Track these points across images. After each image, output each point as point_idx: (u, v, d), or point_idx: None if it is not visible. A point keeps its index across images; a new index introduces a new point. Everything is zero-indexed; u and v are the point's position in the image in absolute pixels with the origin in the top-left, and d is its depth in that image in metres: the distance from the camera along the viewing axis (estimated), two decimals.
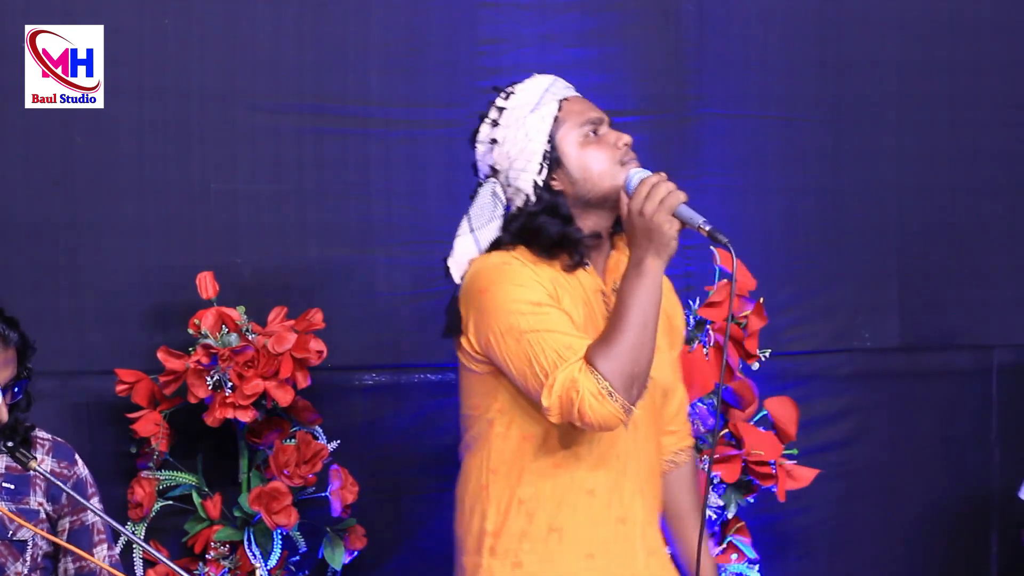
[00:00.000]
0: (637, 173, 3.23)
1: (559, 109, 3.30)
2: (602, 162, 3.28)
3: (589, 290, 3.28)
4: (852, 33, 4.71)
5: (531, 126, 3.29)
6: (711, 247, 4.29)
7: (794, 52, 4.68)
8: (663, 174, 3.19)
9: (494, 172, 3.33)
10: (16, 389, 3.39)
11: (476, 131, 3.35)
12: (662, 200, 3.14)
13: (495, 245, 3.33)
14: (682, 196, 3.15)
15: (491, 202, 3.35)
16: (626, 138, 3.30)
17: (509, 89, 3.34)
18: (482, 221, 3.36)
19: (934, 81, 4.76)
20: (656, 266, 3.16)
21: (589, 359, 3.12)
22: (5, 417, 3.34)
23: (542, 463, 3.26)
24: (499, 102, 3.34)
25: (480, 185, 3.37)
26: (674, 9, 4.59)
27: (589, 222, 3.30)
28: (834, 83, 4.71)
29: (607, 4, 4.55)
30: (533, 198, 3.28)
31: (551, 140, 3.29)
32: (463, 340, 3.29)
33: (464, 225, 3.36)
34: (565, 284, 3.27)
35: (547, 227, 3.27)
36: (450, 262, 3.37)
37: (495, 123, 3.32)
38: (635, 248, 3.18)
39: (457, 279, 3.34)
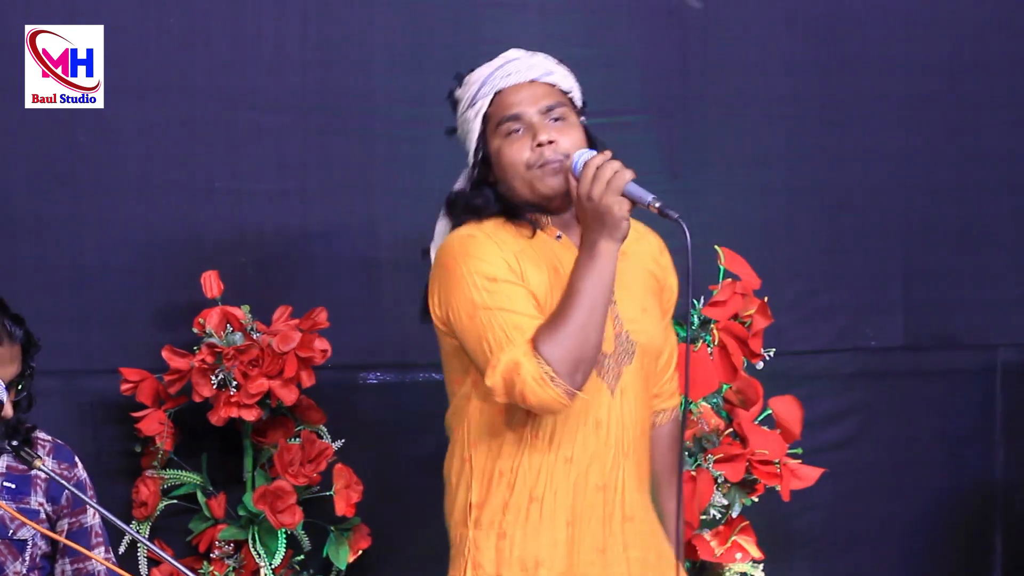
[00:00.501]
0: (581, 155, 3.20)
1: (490, 104, 3.30)
2: (514, 168, 3.28)
3: (564, 261, 3.26)
4: (855, 32, 4.72)
5: (468, 122, 3.32)
6: (715, 247, 4.30)
7: (797, 51, 4.68)
8: (608, 153, 3.16)
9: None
10: (20, 388, 3.39)
11: (452, 95, 3.39)
12: (609, 181, 3.12)
13: (467, 214, 3.35)
14: (629, 174, 3.13)
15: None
16: (543, 137, 3.27)
17: (463, 77, 3.35)
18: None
19: (938, 80, 4.76)
20: (609, 248, 3.14)
21: (535, 342, 3.12)
22: (10, 413, 3.35)
23: (520, 434, 3.27)
24: (456, 93, 3.36)
25: None
26: (677, 8, 4.60)
27: (524, 205, 3.31)
28: (837, 82, 4.71)
29: (610, 3, 4.56)
30: (468, 187, 3.34)
31: (482, 137, 3.31)
32: (433, 311, 3.31)
33: (443, 209, 3.40)
34: (534, 254, 3.27)
35: (479, 205, 3.32)
36: (432, 246, 3.39)
37: (454, 108, 3.36)
38: (587, 231, 3.16)
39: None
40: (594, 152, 3.20)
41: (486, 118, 3.30)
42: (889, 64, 4.73)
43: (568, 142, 3.27)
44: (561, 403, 3.14)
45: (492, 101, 3.29)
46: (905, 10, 4.75)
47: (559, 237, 3.30)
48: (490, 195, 3.31)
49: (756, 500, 4.31)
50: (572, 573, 3.28)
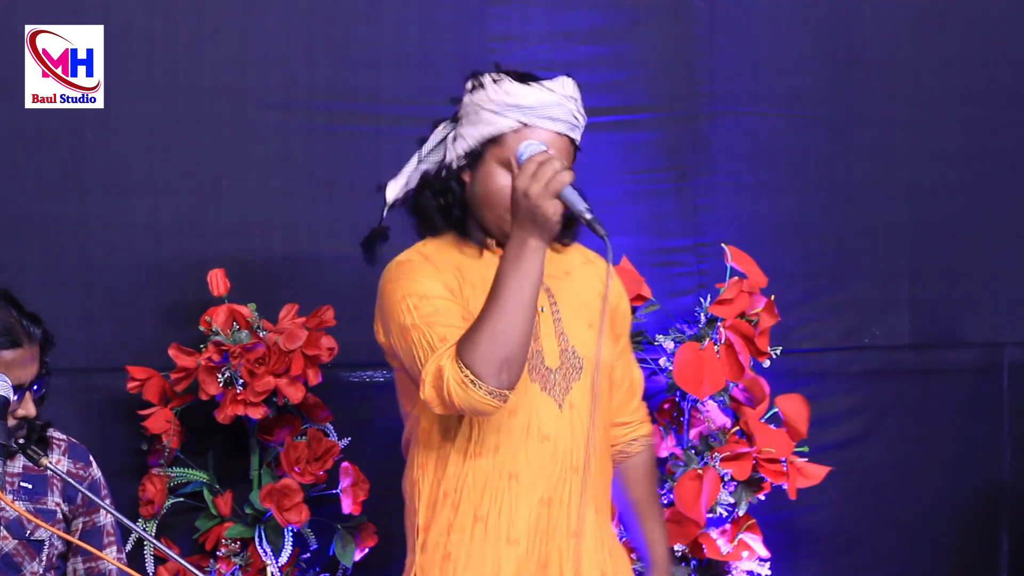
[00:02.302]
0: (529, 147, 3.17)
1: (515, 130, 3.23)
2: (498, 200, 3.24)
3: (487, 275, 3.22)
4: (864, 30, 4.71)
5: (483, 120, 3.25)
6: (722, 245, 4.29)
7: (805, 49, 4.67)
8: (551, 152, 3.14)
9: (458, 117, 3.32)
10: (38, 386, 3.40)
11: (480, 76, 3.30)
12: (547, 182, 3.08)
13: (427, 216, 3.36)
14: (567, 177, 3.09)
15: (436, 144, 3.37)
16: None
17: (501, 77, 3.26)
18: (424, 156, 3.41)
19: (946, 79, 4.76)
20: (536, 247, 3.10)
21: (456, 347, 3.10)
22: (33, 412, 3.37)
23: (462, 452, 3.25)
24: (485, 79, 3.27)
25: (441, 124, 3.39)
26: (685, 6, 4.59)
27: (482, 228, 3.30)
28: (845, 80, 4.70)
29: (617, 1, 4.55)
30: (444, 172, 3.31)
31: (485, 143, 3.25)
32: (379, 341, 3.33)
33: (413, 160, 3.42)
34: (478, 273, 3.26)
35: (425, 209, 3.33)
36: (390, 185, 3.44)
37: (472, 89, 3.28)
38: (516, 228, 3.12)
39: (389, 198, 3.43)
40: (542, 147, 3.16)
41: (498, 137, 3.24)
42: (897, 63, 4.73)
43: None
44: (488, 404, 3.10)
45: (519, 129, 3.23)
46: (914, 9, 4.74)
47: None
48: (456, 198, 3.29)
49: (763, 498, 4.31)
50: None
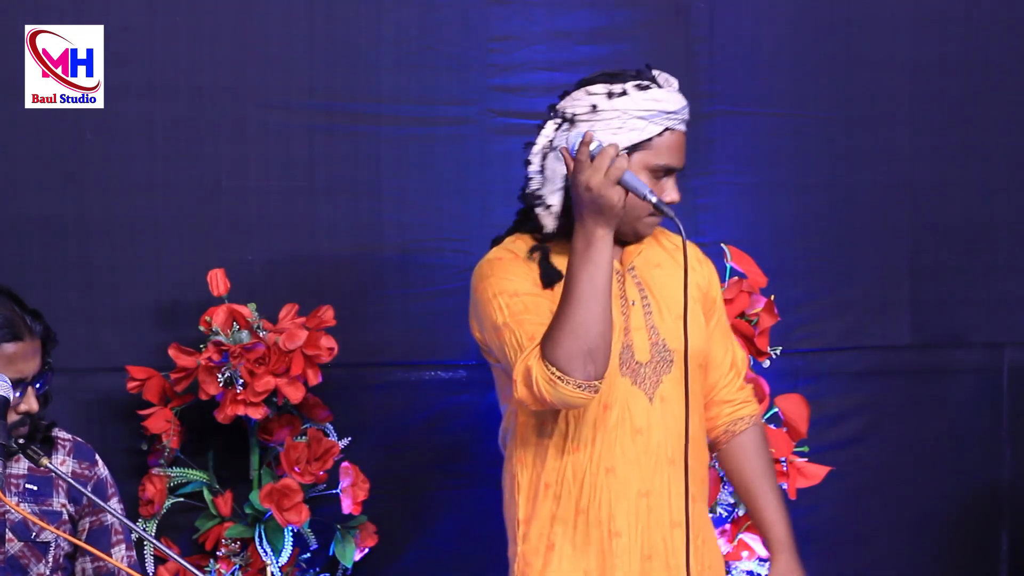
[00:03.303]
0: (578, 138, 3.16)
1: (660, 134, 3.26)
2: (639, 207, 3.25)
3: None
4: (864, 30, 4.70)
5: (628, 126, 3.25)
6: (722, 245, 4.29)
7: (805, 49, 4.67)
8: (601, 140, 3.15)
9: (569, 120, 3.28)
10: (41, 383, 3.41)
11: (590, 80, 3.31)
12: (607, 171, 3.10)
13: (509, 230, 3.38)
14: (624, 163, 3.11)
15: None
16: (674, 196, 3.29)
17: (646, 82, 3.27)
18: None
19: (946, 78, 4.75)
20: (604, 235, 3.13)
21: (540, 345, 3.15)
22: (36, 407, 3.37)
23: (559, 447, 3.31)
24: (629, 86, 3.26)
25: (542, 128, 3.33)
26: (685, 6, 4.59)
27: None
28: (845, 80, 4.70)
29: (618, 1, 4.55)
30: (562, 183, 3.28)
31: (631, 151, 3.24)
32: (476, 338, 3.36)
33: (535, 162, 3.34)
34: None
35: (545, 221, 3.29)
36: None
37: (611, 95, 3.25)
38: (581, 223, 3.14)
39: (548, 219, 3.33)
40: (593, 137, 3.16)
41: (646, 143, 3.25)
42: (897, 63, 4.72)
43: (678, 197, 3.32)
44: (580, 397, 3.14)
45: (662, 134, 3.27)
46: (914, 9, 4.73)
47: None
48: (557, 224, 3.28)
49: None
50: None
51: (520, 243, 3.35)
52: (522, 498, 3.35)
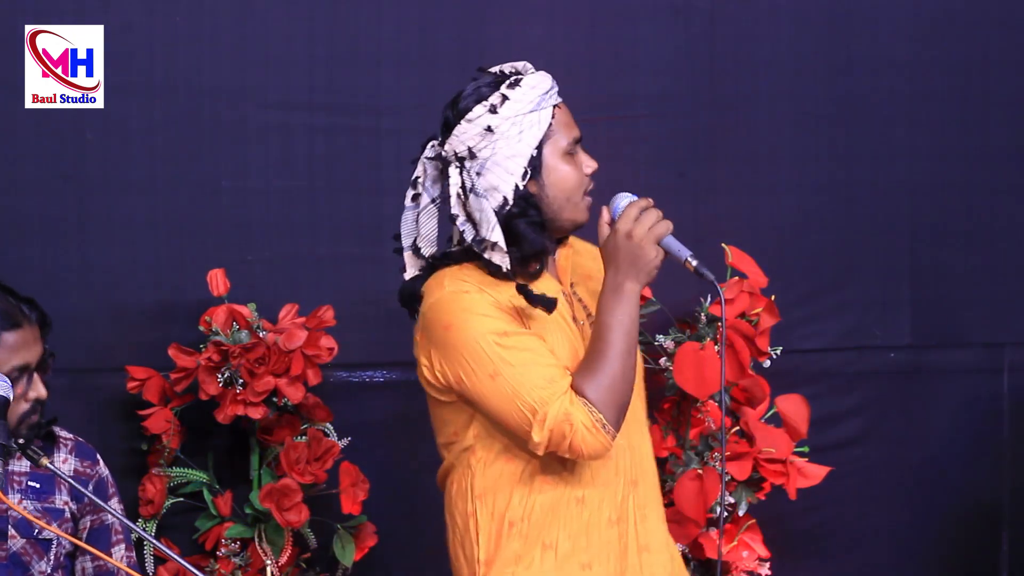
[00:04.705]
0: (625, 197, 3.18)
1: (552, 116, 3.21)
2: (571, 186, 3.22)
3: (550, 294, 3.17)
4: (864, 30, 4.71)
5: (526, 126, 3.18)
6: (722, 245, 4.29)
7: (805, 49, 4.67)
8: (650, 200, 3.17)
9: (468, 156, 3.19)
10: (45, 368, 3.43)
11: (464, 108, 3.20)
12: (651, 227, 3.11)
13: (440, 260, 3.27)
14: (668, 227, 3.13)
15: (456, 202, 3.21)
16: (593, 164, 3.24)
17: (515, 77, 3.21)
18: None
19: (946, 78, 4.76)
20: (635, 291, 3.13)
21: (578, 390, 3.09)
22: (44, 393, 3.39)
23: (529, 482, 3.20)
24: (504, 90, 3.19)
25: (434, 165, 3.26)
26: (685, 6, 4.59)
27: (552, 230, 3.24)
28: (846, 80, 4.70)
29: (617, 2, 4.55)
30: (511, 201, 3.18)
31: (539, 147, 3.19)
32: (426, 372, 3.22)
33: (410, 211, 3.31)
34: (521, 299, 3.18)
35: (527, 234, 3.18)
36: (416, 241, 3.32)
37: (494, 109, 3.18)
38: (615, 271, 3.13)
39: (427, 254, 3.29)
40: (636, 197, 3.17)
41: (547, 131, 3.20)
42: (897, 62, 4.73)
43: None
44: (607, 448, 3.11)
45: (553, 114, 3.21)
46: (914, 8, 4.74)
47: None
48: (535, 234, 3.19)
49: (763, 498, 4.31)
50: None
51: (469, 273, 3.21)
52: (482, 538, 3.21)
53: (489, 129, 3.18)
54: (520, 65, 3.26)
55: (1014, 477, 4.84)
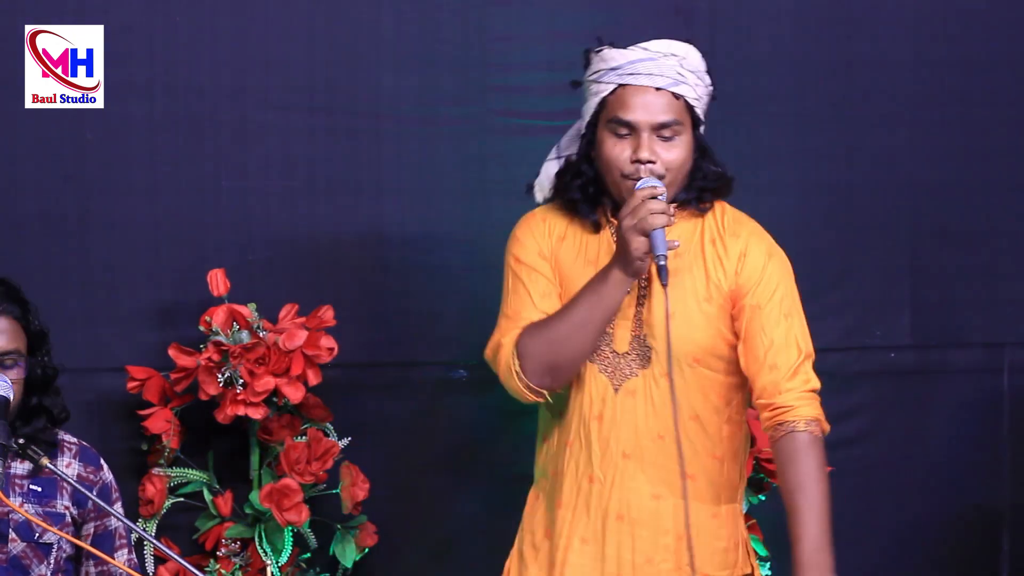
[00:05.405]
0: (646, 182, 3.25)
1: (611, 92, 3.31)
2: (608, 163, 3.32)
3: (591, 248, 3.37)
4: (864, 30, 4.70)
5: (590, 94, 3.36)
6: None
7: (806, 49, 4.67)
8: (659, 189, 3.23)
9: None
10: (22, 363, 3.43)
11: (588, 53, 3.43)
12: (642, 217, 3.17)
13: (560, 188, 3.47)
14: (660, 221, 3.17)
15: (575, 134, 3.44)
16: (644, 154, 3.27)
17: (603, 47, 3.37)
18: (563, 148, 3.47)
19: (947, 78, 4.75)
20: (618, 279, 3.22)
21: (521, 333, 3.29)
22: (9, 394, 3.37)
23: (547, 423, 3.44)
24: (591, 56, 3.38)
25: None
26: (685, 6, 4.59)
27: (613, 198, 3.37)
28: (846, 80, 4.69)
29: (618, 1, 4.55)
30: (576, 156, 3.40)
31: (595, 117, 3.34)
32: None
33: (552, 151, 3.49)
34: (581, 245, 3.36)
35: (568, 188, 3.39)
36: (535, 183, 3.49)
37: (587, 61, 3.39)
38: (612, 255, 3.26)
39: (539, 199, 3.49)
40: (656, 184, 3.23)
41: (603, 103, 3.32)
42: (897, 62, 4.72)
43: (671, 158, 3.30)
44: (523, 395, 3.29)
45: (614, 91, 3.31)
46: (913, 8, 4.73)
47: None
48: (587, 178, 3.37)
49: (763, 498, 4.31)
50: (555, 558, 3.36)
51: (555, 207, 3.44)
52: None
53: (579, 85, 3.41)
54: (645, 45, 3.36)
55: (1014, 477, 4.84)
